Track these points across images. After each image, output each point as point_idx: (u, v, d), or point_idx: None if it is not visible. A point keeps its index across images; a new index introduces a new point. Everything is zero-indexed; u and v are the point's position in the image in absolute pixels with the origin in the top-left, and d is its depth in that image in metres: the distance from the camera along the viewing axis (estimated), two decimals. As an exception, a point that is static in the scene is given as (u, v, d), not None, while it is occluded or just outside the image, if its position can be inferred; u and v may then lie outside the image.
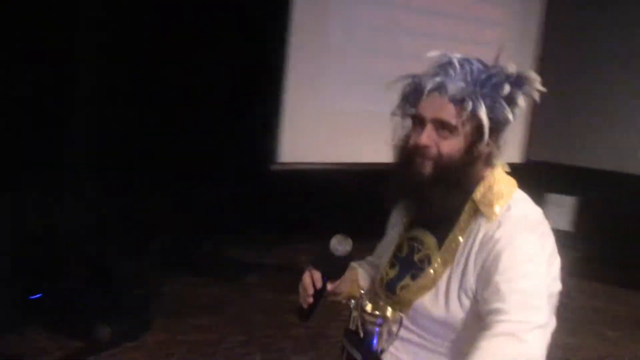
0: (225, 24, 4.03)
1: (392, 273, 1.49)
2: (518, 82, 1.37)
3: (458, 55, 1.39)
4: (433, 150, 1.36)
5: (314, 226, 4.96)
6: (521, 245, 1.32)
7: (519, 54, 5.16)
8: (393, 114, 1.47)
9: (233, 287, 4.16)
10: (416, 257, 1.45)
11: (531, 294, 1.26)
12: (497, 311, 1.24)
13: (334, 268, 1.53)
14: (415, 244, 1.47)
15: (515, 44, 5.10)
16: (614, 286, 4.83)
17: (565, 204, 5.38)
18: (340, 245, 1.51)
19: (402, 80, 1.45)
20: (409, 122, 1.43)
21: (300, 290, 1.51)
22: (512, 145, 5.36)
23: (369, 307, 1.42)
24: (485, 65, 1.38)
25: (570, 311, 4.29)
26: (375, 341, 1.41)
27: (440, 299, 1.37)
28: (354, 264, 1.65)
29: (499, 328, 1.22)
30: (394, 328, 1.39)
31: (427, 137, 1.36)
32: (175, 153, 4.10)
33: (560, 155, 5.34)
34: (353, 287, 1.56)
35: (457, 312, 1.35)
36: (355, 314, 1.44)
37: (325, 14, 4.16)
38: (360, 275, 1.62)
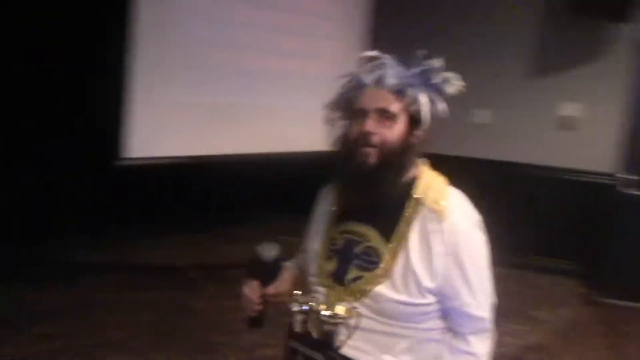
0: (63, 13, 3.84)
1: (330, 265, 1.55)
2: (444, 75, 1.52)
3: (387, 55, 1.54)
4: (377, 138, 1.46)
5: (157, 222, 4.92)
6: (478, 246, 1.49)
7: (347, 46, 5.43)
8: (329, 111, 1.57)
9: (74, 290, 4.01)
10: (357, 250, 1.51)
11: (489, 287, 1.50)
12: (469, 305, 1.47)
13: (268, 273, 1.62)
14: (354, 237, 1.53)
15: (344, 37, 5.38)
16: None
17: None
18: (266, 251, 1.60)
19: (341, 79, 1.55)
20: (348, 118, 1.53)
21: (244, 302, 1.58)
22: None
23: (325, 311, 1.48)
24: (414, 60, 1.51)
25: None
26: (335, 339, 1.48)
27: (399, 285, 1.45)
28: (290, 264, 1.72)
29: (466, 347, 1.50)
30: (352, 322, 1.46)
31: (371, 124, 1.46)
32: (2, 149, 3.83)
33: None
34: (292, 285, 1.64)
35: (417, 294, 1.45)
36: (300, 317, 1.50)
37: (169, 6, 4.08)
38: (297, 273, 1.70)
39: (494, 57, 5.46)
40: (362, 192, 1.48)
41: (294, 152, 5.03)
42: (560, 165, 5.42)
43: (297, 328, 1.54)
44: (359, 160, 1.46)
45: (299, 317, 1.53)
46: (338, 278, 1.52)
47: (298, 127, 5.05)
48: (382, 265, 1.47)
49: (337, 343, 1.48)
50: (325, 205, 1.65)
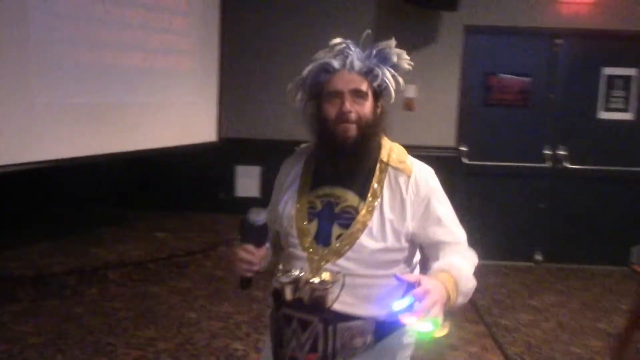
0: None
1: (312, 227, 1.76)
2: (398, 53, 1.79)
3: (349, 40, 1.80)
4: (354, 115, 1.72)
5: (24, 229, 4.76)
6: (440, 190, 1.80)
7: (203, 40, 5.52)
8: (296, 94, 1.81)
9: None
10: (337, 210, 1.75)
11: (459, 224, 1.81)
12: (454, 242, 1.76)
13: (259, 236, 1.73)
14: (331, 199, 1.77)
15: (200, 32, 5.46)
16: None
17: (253, 174, 6.03)
18: (257, 216, 1.73)
19: (311, 65, 1.78)
20: (319, 99, 1.76)
21: (240, 263, 1.69)
22: (208, 126, 5.78)
23: (314, 279, 1.68)
24: (372, 43, 1.77)
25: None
26: (326, 302, 1.68)
27: (377, 235, 1.71)
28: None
29: (458, 250, 1.75)
30: (338, 284, 1.67)
31: (349, 104, 1.72)
32: None
33: (246, 131, 5.93)
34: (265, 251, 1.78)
35: (392, 240, 1.71)
36: (290, 287, 1.69)
37: (27, 4, 3.94)
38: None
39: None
40: (346, 161, 1.73)
41: (161, 148, 5.07)
42: (408, 143, 5.92)
43: (288, 297, 1.72)
44: (340, 135, 1.72)
45: (288, 287, 1.70)
46: (322, 238, 1.74)
47: (158, 124, 5.10)
48: (360, 219, 1.72)
49: (328, 304, 1.69)
50: (290, 175, 1.88)
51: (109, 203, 5.73)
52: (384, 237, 1.72)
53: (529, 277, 5.59)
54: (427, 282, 1.53)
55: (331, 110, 1.75)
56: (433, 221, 1.77)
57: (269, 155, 6.02)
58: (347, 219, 1.74)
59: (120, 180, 5.73)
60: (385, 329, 1.75)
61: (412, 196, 1.76)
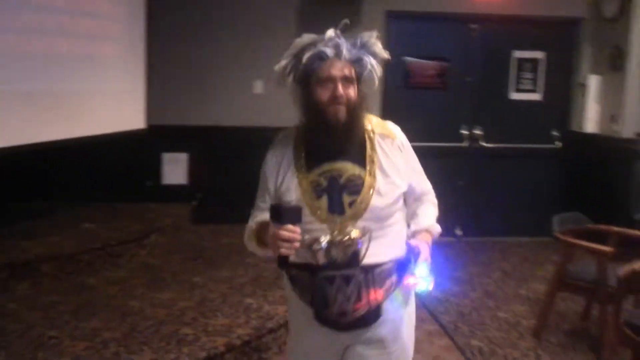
0: None
1: (324, 202, 1.96)
2: (378, 43, 2.01)
3: (337, 32, 1.98)
4: (344, 98, 1.94)
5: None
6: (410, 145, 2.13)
7: (130, 26, 5.40)
8: (285, 78, 1.97)
9: None
10: (341, 182, 1.97)
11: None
12: (427, 192, 2.17)
13: (295, 216, 1.84)
14: (333, 174, 1.97)
15: (126, 18, 5.34)
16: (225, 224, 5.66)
17: (180, 161, 5.98)
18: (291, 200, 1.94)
19: (307, 52, 1.93)
20: (311, 84, 1.95)
21: (282, 243, 1.80)
22: (136, 113, 5.67)
23: (346, 237, 1.91)
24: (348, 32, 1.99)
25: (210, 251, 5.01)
26: (359, 255, 1.92)
27: (383, 194, 1.97)
28: (260, 219, 2.01)
29: (430, 199, 2.17)
30: (366, 237, 1.92)
31: (341, 89, 1.93)
32: None
33: (173, 117, 5.87)
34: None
35: (392, 198, 2.00)
36: (322, 252, 1.90)
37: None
38: None
39: (265, 32, 5.85)
40: (340, 137, 1.96)
41: (88, 137, 4.95)
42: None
43: (321, 261, 1.92)
44: (332, 116, 1.94)
45: (320, 253, 1.89)
46: (335, 208, 1.95)
47: (85, 112, 4.97)
48: (367, 184, 1.97)
49: (362, 257, 1.92)
50: (283, 163, 2.03)
51: (33, 196, 5.52)
52: (388, 195, 2.00)
53: (452, 251, 5.90)
54: (423, 247, 1.88)
55: (324, 94, 1.94)
56: (414, 173, 2.12)
57: (196, 141, 6.08)
58: (354, 186, 1.97)
59: (43, 172, 5.54)
60: (402, 268, 1.98)
61: (400, 155, 2.06)
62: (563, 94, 6.34)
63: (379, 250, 1.95)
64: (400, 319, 2.08)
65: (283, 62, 2.00)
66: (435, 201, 2.20)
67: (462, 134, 6.28)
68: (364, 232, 1.93)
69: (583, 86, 6.07)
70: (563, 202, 6.16)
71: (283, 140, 2.09)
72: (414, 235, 2.06)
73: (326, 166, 1.98)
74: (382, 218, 1.98)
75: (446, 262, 5.55)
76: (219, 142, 5.94)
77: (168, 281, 4.36)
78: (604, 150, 5.87)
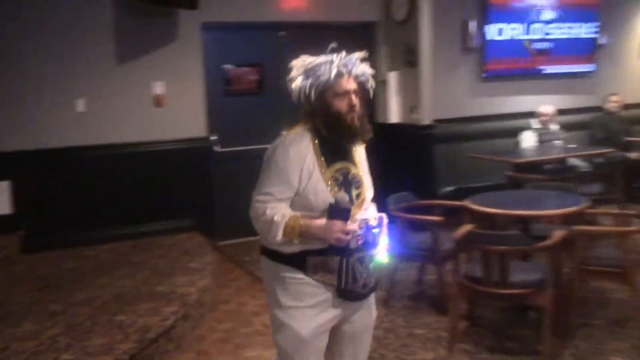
0: None
1: (342, 192, 2.37)
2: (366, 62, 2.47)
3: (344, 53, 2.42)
4: (357, 108, 2.37)
5: None
6: None
7: None
8: (311, 92, 2.37)
9: None
10: (350, 177, 2.43)
11: None
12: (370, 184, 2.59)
13: (349, 214, 2.31)
14: (345, 171, 2.42)
15: None
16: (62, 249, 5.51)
17: (2, 190, 5.62)
18: (346, 199, 2.34)
19: (330, 72, 2.36)
20: (329, 96, 2.36)
21: (338, 237, 2.27)
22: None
23: (372, 221, 2.40)
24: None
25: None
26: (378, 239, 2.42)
27: (369, 189, 2.52)
28: (287, 210, 2.36)
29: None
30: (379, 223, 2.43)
31: (355, 100, 2.37)
32: None
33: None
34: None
35: (371, 191, 2.54)
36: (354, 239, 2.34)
37: None
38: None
39: (81, 49, 5.72)
40: (353, 140, 2.44)
41: None
42: (162, 138, 6.10)
43: (353, 244, 2.35)
44: (350, 122, 2.37)
45: (357, 238, 2.35)
46: (350, 200, 2.38)
47: None
48: (363, 181, 2.49)
49: (378, 241, 2.42)
50: (307, 159, 2.35)
51: None
52: (371, 189, 2.56)
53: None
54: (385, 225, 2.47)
55: (342, 105, 2.38)
56: (370, 178, 2.60)
57: (19, 167, 5.73)
58: (357, 182, 2.47)
59: None
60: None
61: (364, 158, 2.58)
62: (368, 91, 7.04)
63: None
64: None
65: (300, 82, 2.41)
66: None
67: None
68: (379, 220, 2.42)
69: (384, 82, 6.81)
70: (377, 186, 6.86)
71: (299, 141, 2.38)
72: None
73: (339, 164, 2.43)
74: (367, 207, 2.50)
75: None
76: (46, 165, 5.69)
77: (22, 314, 4.16)
78: (408, 137, 6.67)
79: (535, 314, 4.17)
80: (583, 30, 7.86)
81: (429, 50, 6.47)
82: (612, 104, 7.65)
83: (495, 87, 7.48)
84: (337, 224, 2.26)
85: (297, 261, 2.37)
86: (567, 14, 7.70)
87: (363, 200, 2.46)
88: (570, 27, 7.77)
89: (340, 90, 2.37)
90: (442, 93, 6.95)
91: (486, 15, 7.20)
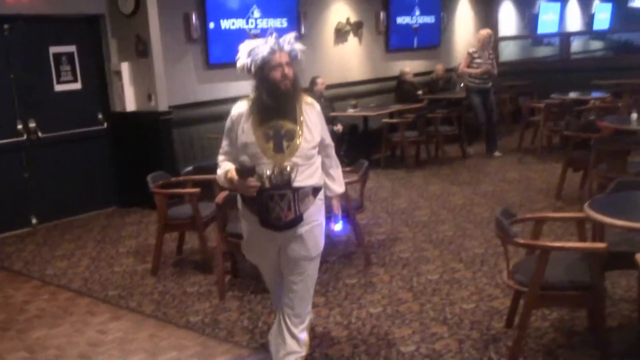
0: None
1: (271, 144, 3.03)
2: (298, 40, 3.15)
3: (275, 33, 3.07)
4: (289, 76, 3.03)
5: None
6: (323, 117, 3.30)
7: None
8: (251, 67, 3.04)
9: None
10: (282, 132, 3.06)
11: None
12: (330, 144, 3.32)
13: (253, 172, 2.98)
14: (277, 127, 3.05)
15: None
16: None
17: None
18: (249, 163, 3.04)
19: (262, 51, 3.02)
20: (266, 69, 3.01)
21: (252, 190, 3.00)
22: None
23: (284, 169, 3.02)
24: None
25: None
26: (291, 180, 3.03)
27: (308, 140, 3.09)
28: (228, 164, 3.15)
29: (332, 153, 3.37)
30: (295, 169, 3.03)
31: (288, 69, 3.03)
32: None
33: None
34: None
35: (313, 144, 3.12)
36: (267, 177, 3.01)
37: None
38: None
39: None
40: (285, 102, 3.06)
41: None
42: None
43: (267, 184, 3.01)
44: (283, 88, 3.02)
45: (266, 178, 3.00)
46: (278, 149, 3.05)
47: None
48: (298, 134, 3.08)
49: (292, 182, 3.02)
50: (242, 118, 3.09)
51: None
52: (311, 142, 3.13)
53: (31, 240, 6.28)
54: (339, 211, 3.43)
55: (277, 75, 3.03)
56: (324, 131, 3.26)
57: None
58: (290, 136, 3.08)
59: None
60: (316, 192, 3.21)
61: (317, 118, 3.20)
62: (101, 81, 7.25)
63: (302, 178, 3.09)
64: (312, 225, 3.19)
65: (243, 61, 3.04)
66: (335, 156, 3.42)
67: (18, 129, 6.59)
68: (293, 166, 3.05)
69: (118, 73, 7.09)
70: (122, 172, 7.22)
71: (240, 106, 3.13)
72: (331, 200, 3.41)
73: (272, 122, 3.07)
74: (307, 156, 3.10)
75: (40, 251, 5.99)
76: None
77: None
78: (147, 124, 7.08)
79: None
80: (284, 20, 9.00)
81: (158, 41, 6.94)
82: (320, 85, 8.96)
83: (220, 73, 8.23)
84: (241, 181, 3.01)
85: (242, 198, 3.21)
86: (270, 7, 8.75)
87: (294, 149, 3.06)
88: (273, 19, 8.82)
89: (274, 64, 3.02)
90: (174, 80, 7.48)
91: (205, 7, 7.86)
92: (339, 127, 8.49)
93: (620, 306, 3.91)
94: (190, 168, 6.99)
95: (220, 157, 3.25)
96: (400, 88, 10.40)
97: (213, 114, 8.07)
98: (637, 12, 20.35)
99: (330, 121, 8.50)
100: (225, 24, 8.13)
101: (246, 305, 4.33)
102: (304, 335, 3.36)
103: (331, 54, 9.98)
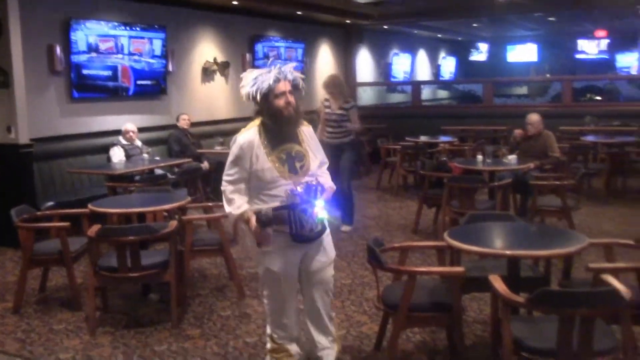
0: None
1: (286, 167, 3.24)
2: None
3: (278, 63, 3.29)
4: (292, 104, 3.24)
5: None
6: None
7: None
8: (257, 95, 3.21)
9: None
10: (293, 154, 3.28)
11: None
12: (325, 162, 3.48)
13: (272, 222, 3.16)
14: (288, 150, 3.28)
15: None
16: None
17: None
18: (269, 212, 3.15)
19: (268, 79, 3.22)
20: (271, 96, 3.22)
21: (262, 238, 3.18)
22: None
23: (313, 183, 3.25)
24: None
25: None
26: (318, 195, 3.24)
27: (314, 161, 3.34)
28: (243, 203, 3.29)
29: (326, 170, 3.49)
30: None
31: (291, 97, 3.24)
32: None
33: None
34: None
35: (318, 163, 3.37)
36: (298, 197, 3.18)
37: None
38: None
39: None
40: (290, 127, 3.30)
41: None
42: None
43: (297, 200, 3.17)
44: (287, 115, 3.24)
45: (297, 195, 3.18)
46: (293, 170, 3.26)
47: None
48: (307, 155, 3.32)
49: (318, 196, 3.22)
50: (254, 147, 3.23)
51: None
52: (316, 161, 3.37)
53: None
54: (327, 191, 3.35)
55: (281, 102, 3.24)
56: (319, 148, 3.46)
57: None
58: (300, 157, 3.31)
59: None
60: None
61: (314, 141, 3.44)
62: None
63: (312, 192, 3.29)
64: (327, 233, 3.43)
65: (248, 89, 3.22)
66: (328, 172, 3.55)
67: None
68: (313, 182, 3.25)
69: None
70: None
71: (247, 135, 3.26)
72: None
73: (282, 147, 3.28)
74: (314, 174, 3.32)
75: None
76: None
77: None
78: (6, 156, 6.74)
79: (155, 296, 5.03)
80: (155, 61, 9.01)
81: (20, 72, 6.69)
82: (183, 121, 9.00)
83: (84, 107, 8.04)
84: (260, 229, 3.17)
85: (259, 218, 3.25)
86: (138, 44, 8.73)
87: (307, 169, 3.30)
88: (141, 55, 8.80)
89: (278, 92, 3.22)
90: (36, 113, 7.22)
91: (69, 40, 7.70)
92: (205, 165, 8.56)
93: (473, 327, 4.33)
94: (51, 203, 6.72)
95: (229, 188, 3.31)
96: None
97: (78, 147, 7.89)
98: (477, 65, 22.40)
99: (197, 158, 8.59)
100: (90, 58, 8.00)
101: (119, 339, 4.26)
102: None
103: (198, 91, 10.09)
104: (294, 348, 3.48)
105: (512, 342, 2.96)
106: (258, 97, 3.23)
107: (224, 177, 3.32)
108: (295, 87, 3.32)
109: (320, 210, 3.20)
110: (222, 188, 3.34)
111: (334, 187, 3.45)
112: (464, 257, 4.17)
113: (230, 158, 3.31)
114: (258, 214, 3.17)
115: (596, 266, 3.48)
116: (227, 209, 3.31)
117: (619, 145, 9.20)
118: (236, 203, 3.27)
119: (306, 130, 3.42)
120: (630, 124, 10.95)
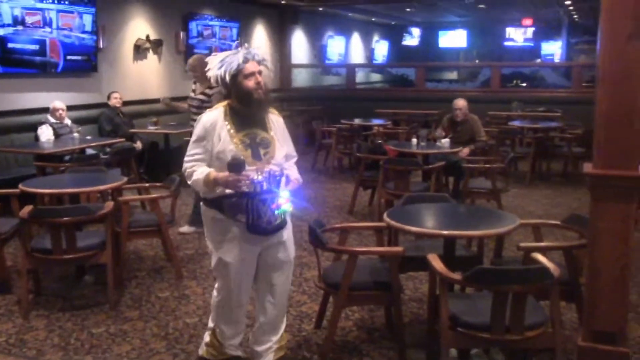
0: None
1: (248, 152, 3.07)
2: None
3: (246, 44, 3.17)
4: (262, 85, 3.10)
5: None
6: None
7: None
8: (226, 76, 3.08)
9: None
10: (258, 140, 3.13)
11: None
12: (293, 152, 3.38)
13: (244, 166, 2.97)
14: (252, 135, 3.13)
15: None
16: None
17: None
18: (240, 156, 2.99)
19: (237, 59, 3.09)
20: (240, 77, 3.08)
21: (238, 185, 2.96)
22: None
23: (277, 172, 3.05)
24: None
25: None
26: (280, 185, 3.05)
27: (280, 149, 3.20)
28: (204, 167, 3.11)
29: (294, 160, 3.39)
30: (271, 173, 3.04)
31: (260, 78, 3.10)
32: None
33: None
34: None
35: (284, 152, 3.24)
36: (249, 182, 2.96)
37: None
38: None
39: None
40: (259, 111, 3.17)
41: None
42: None
43: (258, 188, 2.97)
44: (256, 98, 3.10)
45: (257, 183, 2.97)
46: (256, 156, 3.11)
47: None
48: (272, 142, 3.18)
49: (280, 187, 3.04)
50: (217, 126, 3.10)
51: None
52: (282, 150, 3.24)
53: None
54: (293, 182, 3.21)
55: (251, 83, 3.10)
56: (288, 140, 3.35)
57: None
58: (266, 144, 3.17)
59: None
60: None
61: (282, 129, 3.31)
62: None
63: (275, 181, 3.13)
64: (288, 228, 3.27)
65: (216, 71, 3.10)
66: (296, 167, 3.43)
67: None
68: (281, 170, 3.12)
69: None
70: None
71: (212, 115, 3.15)
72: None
73: (248, 131, 3.14)
74: (279, 162, 3.19)
75: None
76: None
77: None
78: None
79: (90, 278, 4.93)
80: (86, 36, 8.72)
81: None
82: (114, 100, 8.77)
83: (10, 82, 7.72)
84: (233, 174, 2.96)
85: (218, 204, 3.12)
86: (67, 19, 8.43)
87: (271, 157, 3.15)
88: (71, 30, 8.50)
89: (247, 72, 3.09)
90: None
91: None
92: (138, 145, 8.39)
93: (410, 305, 4.46)
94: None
95: (190, 164, 3.16)
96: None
97: (1, 125, 7.58)
98: (409, 49, 22.76)
99: (129, 138, 8.40)
100: (16, 31, 7.67)
101: (54, 322, 4.16)
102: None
103: (131, 69, 9.86)
104: (233, 345, 3.48)
105: (449, 318, 3.08)
106: (227, 78, 3.10)
107: (185, 158, 3.20)
108: (262, 69, 3.19)
109: (284, 202, 3.05)
110: (182, 169, 3.20)
111: (301, 180, 3.30)
112: (400, 237, 4.29)
113: (192, 138, 3.20)
114: (229, 162, 2.99)
115: (527, 245, 3.64)
116: (193, 177, 3.13)
117: (544, 130, 9.57)
118: (199, 169, 3.12)
119: (275, 119, 3.28)
120: (554, 110, 11.43)
